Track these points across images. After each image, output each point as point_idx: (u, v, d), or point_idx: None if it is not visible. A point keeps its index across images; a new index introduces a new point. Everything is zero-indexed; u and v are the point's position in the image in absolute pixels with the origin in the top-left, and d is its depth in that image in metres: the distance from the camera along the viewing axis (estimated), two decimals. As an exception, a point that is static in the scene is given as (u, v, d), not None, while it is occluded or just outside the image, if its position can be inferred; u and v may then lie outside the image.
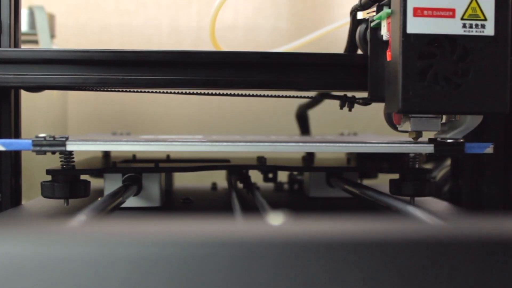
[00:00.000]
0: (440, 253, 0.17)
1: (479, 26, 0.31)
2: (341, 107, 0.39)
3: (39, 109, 0.58)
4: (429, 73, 0.31)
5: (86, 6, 0.70)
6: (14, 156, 0.40)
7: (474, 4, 0.31)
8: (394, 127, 0.36)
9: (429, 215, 0.26)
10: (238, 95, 0.40)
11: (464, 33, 0.31)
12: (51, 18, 0.60)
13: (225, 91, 0.39)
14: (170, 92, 0.40)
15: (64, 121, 0.61)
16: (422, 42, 0.31)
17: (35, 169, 0.37)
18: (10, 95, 0.40)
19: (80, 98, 0.66)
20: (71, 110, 0.63)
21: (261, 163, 0.41)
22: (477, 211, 0.41)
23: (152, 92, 0.40)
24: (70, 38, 0.69)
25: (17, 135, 0.40)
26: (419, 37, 0.31)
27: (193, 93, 0.40)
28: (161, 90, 0.40)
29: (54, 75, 0.36)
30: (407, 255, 0.17)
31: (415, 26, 0.31)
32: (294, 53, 0.37)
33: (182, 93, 0.40)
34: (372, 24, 0.35)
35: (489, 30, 0.31)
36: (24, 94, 0.41)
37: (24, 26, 0.57)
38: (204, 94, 0.39)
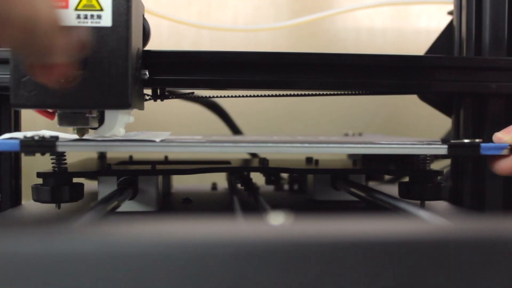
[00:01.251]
0: (449, 255, 0.17)
1: (95, 17, 0.29)
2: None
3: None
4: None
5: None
6: (14, 157, 0.39)
7: None
8: None
9: (440, 218, 0.25)
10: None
11: (79, 24, 0.29)
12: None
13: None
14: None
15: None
16: None
17: (40, 169, 0.36)
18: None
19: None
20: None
21: (263, 165, 0.40)
22: (479, 212, 0.40)
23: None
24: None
25: (17, 128, 0.40)
26: None
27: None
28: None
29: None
30: (416, 257, 0.17)
31: None
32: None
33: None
34: None
35: (106, 21, 0.30)
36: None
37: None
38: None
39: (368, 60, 0.37)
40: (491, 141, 0.34)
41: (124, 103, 0.30)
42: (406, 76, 0.37)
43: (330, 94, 0.40)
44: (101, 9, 0.30)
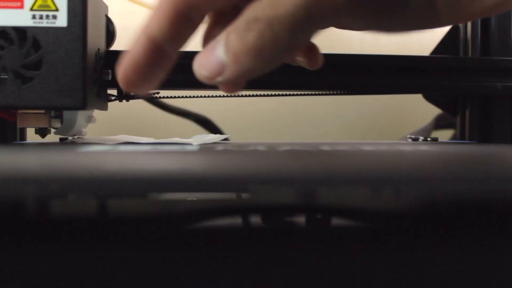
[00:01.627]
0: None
1: (51, 17, 0.30)
2: None
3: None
4: None
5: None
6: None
7: None
8: None
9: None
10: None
11: (34, 25, 0.30)
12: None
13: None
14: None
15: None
16: None
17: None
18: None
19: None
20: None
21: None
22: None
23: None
24: None
25: (22, 139, 0.40)
26: None
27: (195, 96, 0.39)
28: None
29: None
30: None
31: None
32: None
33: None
34: None
35: (62, 21, 0.30)
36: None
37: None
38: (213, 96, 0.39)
39: (372, 61, 0.37)
40: (497, 141, 0.34)
41: (78, 104, 0.30)
42: (411, 76, 0.37)
43: (333, 94, 0.40)
44: (57, 9, 0.30)
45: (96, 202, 0.19)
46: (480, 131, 0.41)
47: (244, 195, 0.19)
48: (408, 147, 0.33)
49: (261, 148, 0.29)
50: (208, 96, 0.40)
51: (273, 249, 0.17)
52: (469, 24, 0.41)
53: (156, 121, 0.68)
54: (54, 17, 0.30)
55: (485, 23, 0.41)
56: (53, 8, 0.30)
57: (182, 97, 0.40)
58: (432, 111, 0.47)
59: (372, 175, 0.16)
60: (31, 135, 0.40)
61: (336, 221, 0.19)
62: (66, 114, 0.33)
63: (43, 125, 0.32)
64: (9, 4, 0.30)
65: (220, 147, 0.30)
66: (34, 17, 0.30)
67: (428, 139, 0.39)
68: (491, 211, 0.17)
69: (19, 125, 0.32)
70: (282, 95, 0.39)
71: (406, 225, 0.18)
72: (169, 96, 0.40)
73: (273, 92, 0.39)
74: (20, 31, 0.30)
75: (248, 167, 0.19)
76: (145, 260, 0.16)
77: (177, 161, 0.22)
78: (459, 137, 0.43)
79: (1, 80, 0.30)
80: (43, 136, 0.34)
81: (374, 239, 0.17)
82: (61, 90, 0.30)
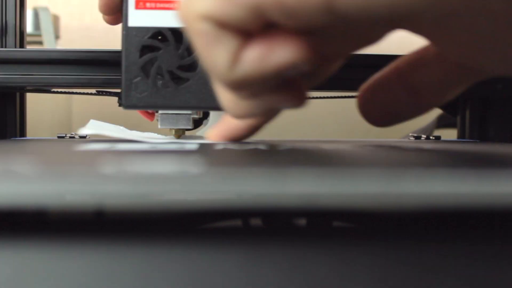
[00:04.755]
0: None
1: None
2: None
3: (44, 110, 0.57)
4: (153, 68, 0.30)
5: (91, 7, 0.70)
6: None
7: None
8: None
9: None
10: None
11: None
12: (55, 19, 0.60)
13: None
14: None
15: (69, 121, 0.60)
16: (145, 35, 0.30)
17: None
18: (16, 95, 0.39)
19: (85, 100, 0.66)
20: (76, 111, 0.63)
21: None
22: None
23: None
24: (74, 39, 0.69)
25: (22, 136, 0.40)
26: (141, 30, 0.30)
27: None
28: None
29: (59, 76, 0.35)
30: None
31: (137, 19, 0.30)
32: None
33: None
34: None
35: None
36: (29, 94, 0.41)
37: (28, 27, 0.56)
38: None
39: (373, 60, 0.37)
40: (497, 141, 0.34)
41: None
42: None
43: (336, 97, 0.40)
44: None
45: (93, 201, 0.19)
46: (480, 131, 0.41)
47: (244, 195, 0.19)
48: (411, 145, 0.33)
49: (261, 147, 0.29)
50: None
51: (273, 249, 0.17)
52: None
53: (156, 121, 0.68)
54: None
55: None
56: None
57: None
58: (432, 111, 0.47)
59: (373, 173, 0.16)
60: (30, 133, 0.41)
61: (336, 221, 0.19)
62: (213, 114, 0.33)
63: (183, 126, 0.32)
64: (166, 5, 0.30)
65: (219, 146, 0.30)
66: None
67: (431, 137, 0.39)
68: (496, 212, 0.18)
69: (160, 126, 0.32)
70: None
71: (407, 225, 0.18)
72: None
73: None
74: (176, 33, 0.30)
75: (248, 166, 0.19)
76: (145, 259, 0.16)
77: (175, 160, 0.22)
78: (459, 137, 0.43)
79: (156, 81, 0.30)
80: (178, 136, 0.33)
81: (374, 238, 0.17)
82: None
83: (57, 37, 0.60)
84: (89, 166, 0.19)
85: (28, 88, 0.37)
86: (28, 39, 0.43)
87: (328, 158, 0.23)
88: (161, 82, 0.30)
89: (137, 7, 0.30)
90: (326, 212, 0.18)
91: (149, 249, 0.16)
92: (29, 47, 0.44)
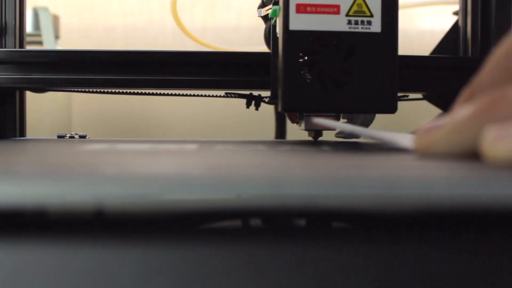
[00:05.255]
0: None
1: (365, 23, 0.30)
2: (247, 106, 0.38)
3: (44, 110, 0.57)
4: (312, 71, 0.30)
5: (91, 7, 0.70)
6: None
7: (359, 1, 0.30)
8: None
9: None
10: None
11: (349, 30, 0.30)
12: (55, 19, 0.60)
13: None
14: (174, 94, 0.39)
15: (69, 121, 0.60)
16: (305, 39, 0.30)
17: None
18: (15, 95, 0.39)
19: (85, 100, 0.66)
20: (76, 111, 0.63)
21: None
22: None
23: (157, 94, 0.39)
24: (74, 39, 0.69)
25: (22, 135, 0.40)
26: (302, 34, 0.30)
27: (197, 95, 0.39)
28: (167, 92, 0.39)
29: (59, 76, 0.35)
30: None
31: (298, 22, 0.30)
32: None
33: (186, 95, 0.39)
34: (272, 22, 0.34)
35: (376, 27, 0.30)
36: (28, 95, 0.41)
37: (28, 27, 0.56)
38: (207, 96, 0.39)
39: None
40: None
41: (390, 108, 0.31)
42: (411, 76, 0.37)
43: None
44: (371, 15, 0.30)
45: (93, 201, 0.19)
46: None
47: (243, 196, 0.19)
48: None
49: (260, 147, 0.29)
50: (209, 96, 0.40)
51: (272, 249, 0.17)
52: (469, 24, 0.41)
53: (156, 121, 0.68)
54: (369, 22, 0.30)
55: (485, 23, 0.41)
56: (368, 14, 0.30)
57: (183, 95, 0.40)
58: (432, 112, 0.47)
59: (372, 173, 0.16)
60: (30, 133, 0.40)
61: (335, 221, 0.19)
62: (362, 117, 0.33)
63: (329, 128, 0.32)
64: (327, 10, 0.30)
65: (219, 147, 0.30)
66: (349, 22, 0.30)
67: None
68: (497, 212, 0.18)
69: (305, 128, 0.32)
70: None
71: (407, 225, 0.18)
72: (171, 94, 0.40)
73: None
74: (336, 36, 0.30)
75: (248, 166, 0.19)
76: (144, 259, 0.16)
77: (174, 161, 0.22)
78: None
79: (316, 85, 0.30)
80: (315, 138, 0.33)
81: (373, 239, 0.17)
82: (374, 94, 0.30)
83: (57, 37, 0.60)
84: (89, 167, 0.19)
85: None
86: (28, 39, 0.43)
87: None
88: (319, 85, 0.30)
89: (298, 11, 0.30)
90: (322, 214, 0.18)
91: (149, 250, 0.16)
92: (29, 47, 0.44)
